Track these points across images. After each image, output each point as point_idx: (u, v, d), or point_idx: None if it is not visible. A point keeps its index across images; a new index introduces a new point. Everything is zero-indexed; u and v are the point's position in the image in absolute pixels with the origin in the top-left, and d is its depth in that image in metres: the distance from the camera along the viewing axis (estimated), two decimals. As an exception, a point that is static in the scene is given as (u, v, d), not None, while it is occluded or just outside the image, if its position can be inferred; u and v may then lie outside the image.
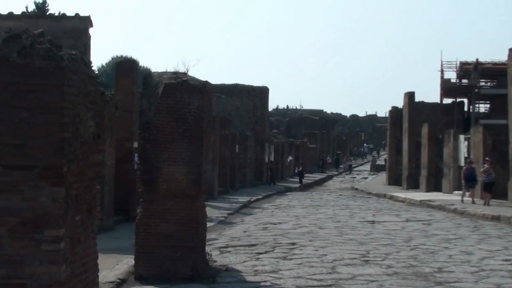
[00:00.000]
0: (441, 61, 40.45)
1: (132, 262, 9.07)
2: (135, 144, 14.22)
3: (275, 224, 16.88)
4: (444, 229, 16.10)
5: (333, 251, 11.82)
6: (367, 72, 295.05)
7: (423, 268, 10.13)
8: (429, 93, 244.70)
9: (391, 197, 29.34)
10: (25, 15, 22.77)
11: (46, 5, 43.63)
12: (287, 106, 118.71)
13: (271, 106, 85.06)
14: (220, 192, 26.67)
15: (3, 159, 4.39)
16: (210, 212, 14.58)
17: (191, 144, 8.94)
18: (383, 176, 44.90)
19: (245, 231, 15.10)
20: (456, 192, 28.04)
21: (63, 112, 4.44)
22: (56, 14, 23.25)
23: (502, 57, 41.51)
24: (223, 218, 17.96)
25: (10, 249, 4.38)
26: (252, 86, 43.38)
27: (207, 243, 10.07)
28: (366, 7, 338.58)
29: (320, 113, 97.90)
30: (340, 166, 65.26)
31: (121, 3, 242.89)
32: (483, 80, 41.11)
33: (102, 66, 56.14)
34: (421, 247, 12.52)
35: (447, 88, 40.12)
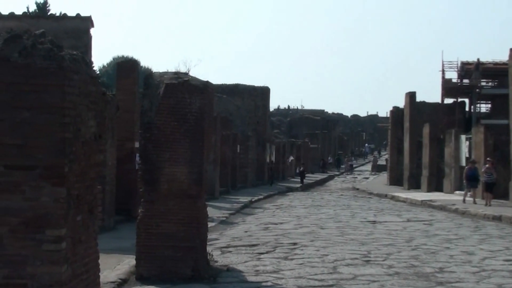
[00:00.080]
0: (442, 61, 40.55)
1: (133, 262, 9.08)
2: (137, 144, 14.23)
3: (276, 224, 16.87)
4: (446, 229, 16.09)
5: (334, 251, 11.82)
6: (368, 72, 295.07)
7: (424, 268, 10.12)
8: (430, 93, 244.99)
9: (392, 197, 29.33)
10: (26, 15, 22.78)
11: (47, 5, 43.62)
12: (288, 106, 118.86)
13: (272, 106, 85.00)
14: (221, 192, 26.67)
15: (4, 159, 4.39)
16: (211, 212, 14.59)
17: (192, 144, 8.94)
18: (384, 176, 44.90)
19: (246, 231, 15.10)
20: (457, 192, 28.03)
21: (64, 112, 4.44)
22: (57, 14, 23.25)
23: (503, 57, 41.51)
24: (224, 218, 17.96)
25: (11, 249, 4.39)
26: (253, 86, 43.39)
27: (208, 243, 10.08)
28: (367, 7, 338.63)
29: (321, 113, 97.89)
30: (342, 166, 65.24)
31: (122, 3, 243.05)
32: (484, 80, 41.11)
33: (103, 66, 56.15)
34: (422, 247, 12.51)
35: (448, 88, 40.11)
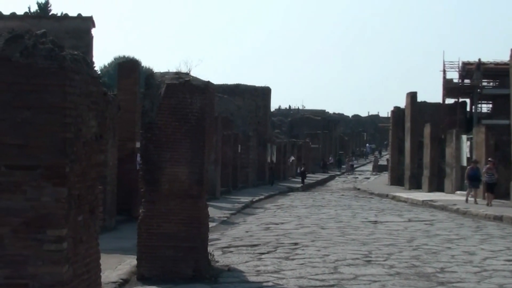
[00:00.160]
0: (443, 61, 40.42)
1: (135, 262, 9.08)
2: (138, 144, 14.25)
3: (277, 224, 16.87)
4: (447, 229, 16.08)
5: (335, 251, 11.82)
6: (369, 72, 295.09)
7: (426, 268, 10.12)
8: (432, 93, 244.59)
9: (394, 197, 29.32)
10: (27, 15, 22.79)
11: (49, 5, 43.65)
12: (289, 106, 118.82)
13: (273, 106, 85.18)
14: (223, 192, 26.67)
15: (5, 159, 4.40)
16: (212, 212, 14.59)
17: (193, 144, 8.94)
18: (385, 176, 44.89)
19: (247, 231, 15.10)
20: (458, 192, 28.01)
21: (65, 112, 4.44)
22: (59, 14, 23.26)
23: (505, 57, 41.49)
24: (225, 218, 17.96)
25: (12, 249, 4.39)
26: (254, 86, 43.38)
27: (209, 243, 10.08)
28: (368, 8, 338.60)
29: (322, 113, 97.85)
30: (342, 166, 65.23)
31: (123, 3, 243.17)
32: (486, 80, 41.06)
33: (105, 67, 56.13)
34: (423, 247, 12.50)
35: (449, 88, 40.06)
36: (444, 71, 40.34)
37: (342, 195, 31.90)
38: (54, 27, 16.81)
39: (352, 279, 9.20)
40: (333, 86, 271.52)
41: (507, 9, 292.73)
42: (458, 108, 39.09)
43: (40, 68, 4.41)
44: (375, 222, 17.80)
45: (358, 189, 37.09)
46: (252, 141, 36.12)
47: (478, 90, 39.35)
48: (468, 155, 27.37)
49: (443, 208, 22.90)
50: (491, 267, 10.34)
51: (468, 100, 41.16)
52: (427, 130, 32.78)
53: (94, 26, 17.95)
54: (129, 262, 9.61)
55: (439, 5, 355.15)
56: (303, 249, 12.05)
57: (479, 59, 39.86)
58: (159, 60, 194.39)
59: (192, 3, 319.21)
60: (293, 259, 10.86)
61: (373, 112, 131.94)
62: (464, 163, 27.83)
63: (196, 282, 8.76)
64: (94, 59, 18.79)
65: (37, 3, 43.33)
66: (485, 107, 42.29)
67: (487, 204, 22.06)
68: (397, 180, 37.97)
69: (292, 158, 49.53)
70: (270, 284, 8.83)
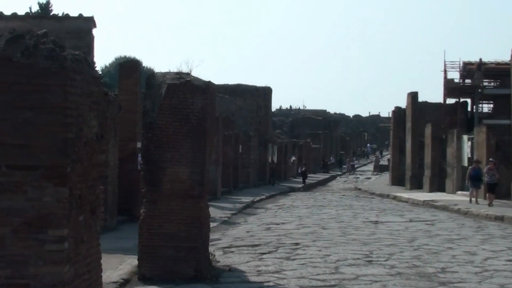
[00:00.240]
0: (444, 61, 40.33)
1: (136, 262, 9.08)
2: (139, 145, 14.25)
3: (278, 224, 16.87)
4: (448, 230, 16.07)
5: (336, 251, 11.82)
6: (370, 72, 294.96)
7: (427, 269, 10.12)
8: (432, 93, 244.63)
9: (395, 197, 29.31)
10: (28, 15, 22.82)
11: (50, 5, 43.70)
12: (290, 106, 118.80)
13: (274, 106, 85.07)
14: (223, 192, 26.67)
15: (6, 160, 4.40)
16: (214, 212, 14.60)
17: (195, 144, 8.94)
18: (386, 176, 44.86)
19: (248, 231, 15.10)
20: (459, 192, 28.00)
21: (66, 112, 4.44)
22: (60, 14, 23.28)
23: (506, 57, 41.38)
24: (226, 218, 17.96)
25: (14, 249, 4.39)
26: (255, 86, 43.39)
27: (210, 243, 10.08)
28: (369, 7, 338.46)
29: (323, 113, 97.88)
30: (343, 166, 65.21)
31: (124, 3, 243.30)
32: (487, 80, 41.02)
33: (106, 67, 56.18)
34: (424, 248, 12.50)
35: (450, 88, 40.03)
36: (445, 71, 40.30)
37: (343, 195, 31.89)
38: (55, 27, 16.82)
39: (353, 279, 9.20)
40: (334, 86, 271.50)
41: (508, 9, 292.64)
42: (459, 108, 39.06)
43: (41, 68, 4.42)
44: (376, 222, 17.79)
45: (359, 189, 37.08)
46: (253, 141, 36.12)
47: (479, 90, 39.32)
48: (469, 155, 27.35)
49: (444, 208, 22.90)
50: (492, 267, 10.34)
51: (469, 100, 41.12)
52: (428, 130, 32.77)
53: (95, 26, 17.96)
54: (130, 262, 9.62)
55: (440, 5, 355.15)
56: (304, 249, 12.05)
57: (480, 59, 39.82)
58: (160, 60, 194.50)
59: (193, 3, 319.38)
60: (294, 259, 10.86)
61: (374, 112, 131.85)
62: (465, 163, 27.81)
63: (197, 282, 8.76)
64: (95, 59, 18.80)
65: (38, 3, 43.38)
66: (486, 107, 42.25)
67: (489, 205, 22.04)
68: (398, 180, 37.95)
69: (293, 158, 49.51)
70: (271, 284, 8.84)
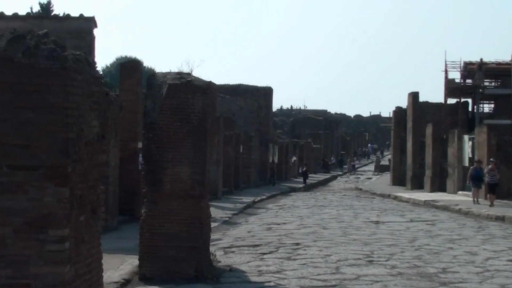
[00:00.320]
0: (445, 61, 40.34)
1: (137, 262, 9.09)
2: (140, 145, 14.25)
3: (279, 224, 16.87)
4: (449, 230, 16.07)
5: (337, 251, 11.82)
6: (371, 72, 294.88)
7: (428, 269, 10.12)
8: (433, 93, 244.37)
9: (395, 198, 29.30)
10: (29, 15, 22.82)
11: (51, 5, 43.73)
12: (291, 107, 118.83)
13: (275, 106, 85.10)
14: (224, 193, 26.67)
15: (7, 160, 4.40)
16: (214, 212, 14.59)
17: (195, 144, 8.94)
18: (387, 177, 44.84)
19: (249, 231, 15.10)
20: (460, 192, 27.99)
21: (67, 112, 4.44)
22: (61, 14, 23.28)
23: (506, 57, 41.43)
24: (227, 218, 17.96)
25: (14, 249, 4.39)
26: (256, 86, 43.39)
27: (211, 243, 10.08)
28: (370, 7, 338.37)
29: (324, 113, 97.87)
30: (344, 166, 65.19)
31: (125, 3, 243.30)
32: (487, 80, 41.02)
33: (107, 67, 56.22)
34: (425, 248, 12.50)
35: (451, 88, 40.02)
36: (446, 71, 40.29)
37: (344, 195, 31.88)
38: (56, 27, 16.82)
39: (354, 279, 9.20)
40: (335, 86, 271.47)
41: (509, 9, 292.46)
42: (460, 108, 39.04)
43: (42, 68, 4.42)
44: (377, 222, 17.79)
45: (360, 189, 37.06)
46: (254, 141, 36.11)
47: (480, 90, 39.32)
48: (470, 155, 27.33)
49: (445, 208, 22.89)
50: (493, 267, 10.34)
51: (470, 100, 41.13)
52: (429, 130, 32.75)
53: (96, 26, 17.96)
54: (131, 262, 9.62)
55: (441, 5, 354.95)
56: (305, 249, 12.05)
57: (481, 59, 39.83)
58: (161, 60, 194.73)
59: (194, 3, 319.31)
60: (295, 259, 10.86)
61: (375, 112, 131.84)
62: (466, 163, 27.79)
63: (198, 282, 8.76)
64: (96, 59, 18.82)
65: (39, 3, 43.40)
66: (487, 107, 42.27)
67: (490, 205, 22.02)
68: (399, 180, 37.94)
69: (294, 158, 49.50)
70: (272, 284, 8.84)
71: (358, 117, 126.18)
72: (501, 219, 18.69)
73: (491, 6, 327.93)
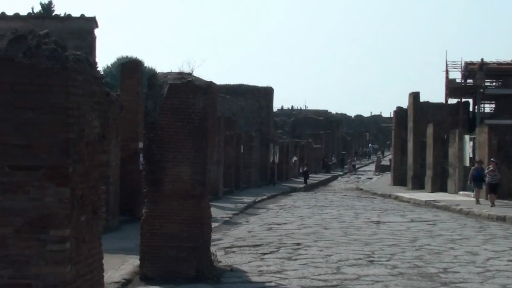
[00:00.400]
0: (446, 61, 40.33)
1: (137, 262, 9.09)
2: (140, 145, 14.25)
3: (280, 224, 16.87)
4: (450, 230, 16.06)
5: (338, 251, 11.82)
6: (372, 72, 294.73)
7: (428, 269, 10.11)
8: (434, 93, 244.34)
9: (396, 198, 29.30)
10: (31, 15, 22.85)
11: (52, 6, 43.77)
12: (292, 107, 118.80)
13: (276, 106, 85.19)
14: (225, 193, 26.67)
15: (8, 160, 4.40)
16: (215, 212, 14.59)
17: (196, 144, 8.95)
18: (388, 177, 44.83)
19: (250, 232, 15.10)
20: (461, 192, 27.98)
21: (68, 112, 4.45)
22: (62, 14, 23.29)
23: (507, 57, 41.49)
24: (228, 219, 17.96)
25: (15, 249, 4.39)
26: (257, 86, 43.40)
27: (212, 243, 10.08)
28: (370, 7, 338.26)
29: (324, 113, 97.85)
30: (345, 166, 65.18)
31: (126, 4, 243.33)
32: (488, 80, 41.00)
33: (107, 67, 56.29)
34: (426, 248, 12.50)
35: (452, 88, 40.01)
36: (447, 71, 40.28)
37: (345, 195, 31.88)
38: (57, 27, 16.83)
39: (354, 279, 9.20)
40: (336, 86, 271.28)
41: (510, 9, 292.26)
42: (461, 108, 39.04)
43: (43, 69, 4.42)
44: (378, 222, 17.79)
45: (361, 189, 37.06)
46: (255, 141, 36.12)
47: (481, 90, 39.30)
48: (471, 155, 27.32)
49: (446, 208, 22.88)
50: (494, 267, 10.33)
51: (471, 100, 41.12)
52: (429, 130, 32.75)
53: (97, 26, 17.97)
54: (131, 262, 9.63)
55: (442, 5, 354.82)
56: (305, 249, 12.05)
57: (482, 59, 39.81)
58: (161, 60, 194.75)
59: (195, 3, 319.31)
60: (295, 259, 10.86)
61: (376, 112, 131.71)
62: (467, 163, 27.79)
63: (199, 282, 8.77)
64: (97, 60, 18.82)
65: (40, 3, 43.47)
66: (488, 107, 42.23)
67: (492, 205, 22.00)
68: (399, 180, 37.93)
69: (295, 158, 49.50)
70: (272, 284, 8.84)
71: (359, 117, 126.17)
72: (502, 219, 18.68)
73: (492, 6, 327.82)
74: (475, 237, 14.57)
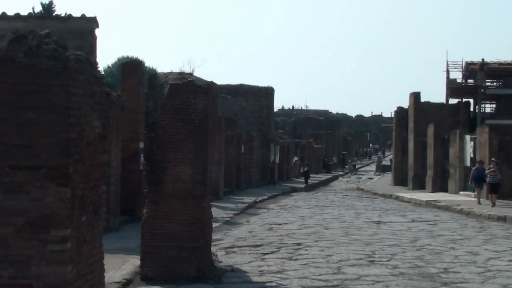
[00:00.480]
0: (447, 61, 40.31)
1: (138, 262, 9.09)
2: (141, 145, 14.25)
3: (280, 224, 16.87)
4: (450, 230, 16.06)
5: (338, 251, 11.82)
6: (373, 72, 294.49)
7: (429, 269, 10.11)
8: (435, 93, 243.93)
9: (397, 198, 29.29)
10: (31, 16, 22.86)
11: (53, 6, 43.78)
12: (293, 107, 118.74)
13: (277, 106, 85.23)
14: (226, 193, 26.67)
15: (9, 160, 4.40)
16: (216, 212, 14.60)
17: (197, 144, 8.95)
18: (388, 177, 44.82)
19: (250, 232, 15.11)
20: (462, 192, 27.98)
21: (69, 112, 4.45)
22: (63, 15, 23.30)
23: (508, 57, 41.55)
24: (228, 219, 17.96)
25: (16, 249, 4.40)
26: (258, 86, 43.38)
27: (212, 243, 10.09)
28: (371, 7, 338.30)
29: (325, 113, 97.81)
30: (346, 166, 65.17)
31: (127, 4, 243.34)
32: (489, 80, 40.97)
33: (108, 67, 56.31)
34: (427, 248, 12.50)
35: (453, 88, 39.99)
36: (448, 71, 40.27)
37: (346, 195, 31.88)
38: (58, 27, 16.85)
39: (355, 279, 9.20)
40: (336, 86, 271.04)
41: (511, 9, 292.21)
42: (462, 108, 39.04)
43: (44, 69, 4.42)
44: (379, 222, 17.78)
45: (362, 189, 37.06)
46: (256, 141, 36.11)
47: (482, 90, 39.28)
48: (472, 155, 27.32)
49: (446, 208, 22.88)
50: (494, 267, 10.33)
51: (471, 100, 41.11)
52: (430, 130, 32.74)
53: (97, 26, 17.98)
54: (132, 262, 9.63)
55: (442, 5, 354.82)
56: (306, 250, 12.05)
57: (483, 59, 39.80)
58: (162, 60, 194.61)
59: (195, 3, 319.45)
60: (296, 259, 10.86)
61: (377, 112, 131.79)
62: (468, 163, 27.78)
63: (200, 282, 8.77)
64: (97, 60, 18.84)
65: (41, 3, 43.47)
66: (488, 107, 42.20)
67: (493, 205, 21.99)
68: (400, 180, 37.92)
69: (296, 158, 49.49)
70: (273, 284, 8.84)
71: (359, 117, 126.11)
72: (502, 219, 18.67)
73: (492, 6, 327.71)
74: (476, 237, 14.57)
